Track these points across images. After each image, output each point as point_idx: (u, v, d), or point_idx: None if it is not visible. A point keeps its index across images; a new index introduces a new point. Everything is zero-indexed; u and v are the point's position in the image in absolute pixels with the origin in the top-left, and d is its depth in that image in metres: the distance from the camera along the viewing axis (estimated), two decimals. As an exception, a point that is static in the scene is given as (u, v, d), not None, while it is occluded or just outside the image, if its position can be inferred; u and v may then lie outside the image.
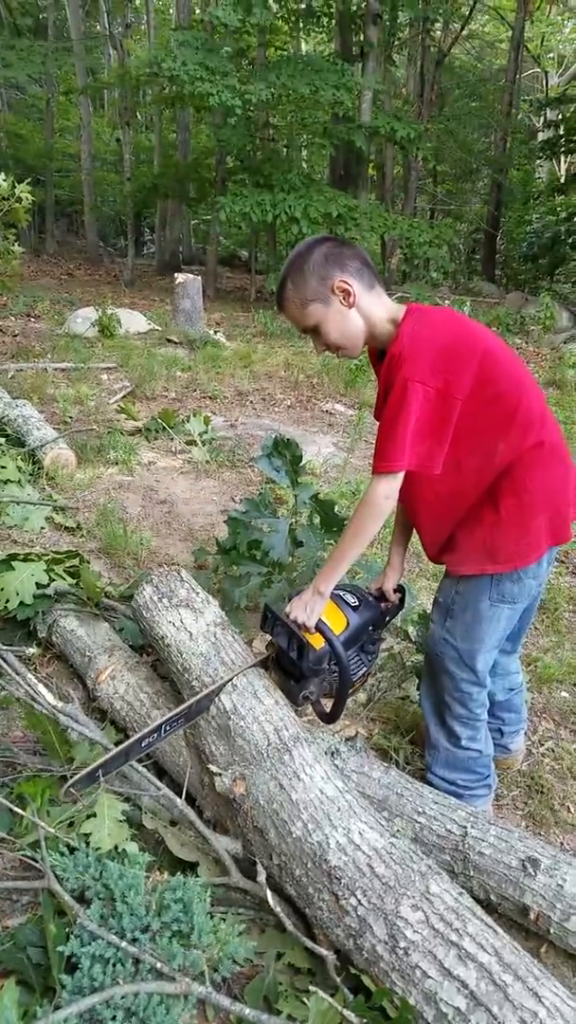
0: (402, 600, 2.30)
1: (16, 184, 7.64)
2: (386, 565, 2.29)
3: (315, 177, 16.15)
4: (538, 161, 21.34)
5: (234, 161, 15.64)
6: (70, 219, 28.94)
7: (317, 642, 1.97)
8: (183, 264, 19.86)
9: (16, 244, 7.29)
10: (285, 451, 2.71)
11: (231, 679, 1.99)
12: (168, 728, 1.92)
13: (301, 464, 2.73)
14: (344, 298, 1.79)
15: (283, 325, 10.44)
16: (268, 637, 2.51)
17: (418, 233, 13.54)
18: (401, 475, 1.77)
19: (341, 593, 2.13)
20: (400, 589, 2.29)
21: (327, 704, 2.11)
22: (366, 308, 1.81)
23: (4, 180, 7.43)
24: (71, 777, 1.72)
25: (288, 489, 2.85)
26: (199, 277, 9.88)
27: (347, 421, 6.38)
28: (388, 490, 1.77)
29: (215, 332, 9.83)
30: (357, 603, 2.12)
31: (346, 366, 7.61)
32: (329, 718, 2.08)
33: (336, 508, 2.80)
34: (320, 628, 1.96)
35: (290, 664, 2.03)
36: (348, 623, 2.06)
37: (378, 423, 1.81)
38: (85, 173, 18.95)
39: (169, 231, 20.16)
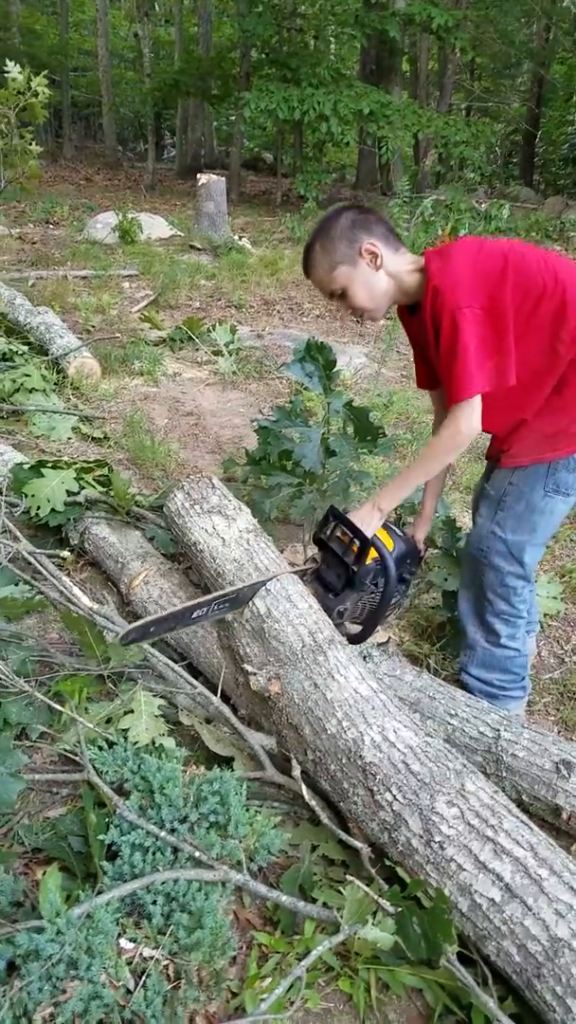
0: (426, 551, 2.31)
1: (32, 77, 7.25)
2: (417, 515, 2.28)
3: (345, 72, 15.15)
4: (584, 53, 19.81)
5: (259, 54, 14.75)
6: (87, 122, 27.79)
7: (367, 557, 1.98)
8: (205, 168, 19.03)
9: (33, 143, 6.96)
10: (318, 355, 2.61)
11: (276, 575, 1.99)
12: (216, 607, 1.92)
13: (335, 370, 2.63)
14: (371, 260, 1.83)
15: (310, 230, 10.04)
16: (300, 551, 2.49)
17: (454, 132, 12.79)
18: (479, 401, 1.76)
19: (387, 523, 2.13)
20: (428, 540, 2.29)
21: (353, 628, 2.13)
22: (392, 268, 1.85)
23: (20, 73, 7.03)
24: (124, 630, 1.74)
25: (320, 396, 2.77)
26: (223, 178, 9.46)
27: (379, 331, 6.18)
28: (471, 419, 1.77)
29: (240, 238, 9.48)
30: (402, 534, 2.15)
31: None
32: (357, 639, 2.10)
33: (371, 417, 2.71)
34: (375, 542, 1.98)
35: (336, 575, 2.04)
36: (395, 546, 2.08)
37: (439, 367, 1.81)
38: (102, 71, 18.02)
39: (191, 132, 19.28)
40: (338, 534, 2.03)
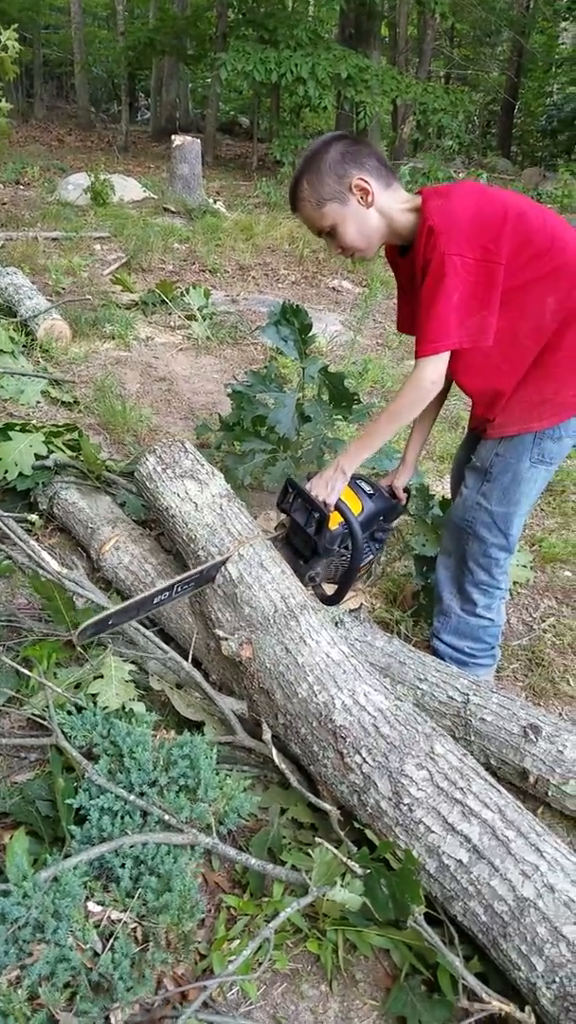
0: (408, 500, 2.27)
1: (1, 31, 6.97)
2: (400, 463, 2.24)
3: (323, 35, 14.80)
4: (563, 24, 19.58)
5: (236, 14, 14.33)
6: (60, 82, 26.95)
7: (333, 522, 1.95)
8: (180, 130, 18.58)
9: (3, 100, 6.71)
10: (294, 319, 2.56)
11: (229, 557, 1.95)
12: (179, 589, 1.89)
13: (310, 334, 2.59)
14: (362, 197, 1.73)
15: (287, 195, 9.87)
16: (273, 518, 2.47)
17: (433, 99, 12.60)
18: (447, 356, 1.70)
19: (356, 480, 2.11)
20: (407, 490, 2.25)
21: (329, 590, 2.10)
22: (384, 205, 1.75)
23: (-13, 25, 6.75)
24: (81, 625, 1.70)
25: (295, 362, 2.73)
26: (198, 140, 9.24)
27: (354, 299, 6.12)
28: (435, 373, 1.71)
29: (215, 201, 9.29)
30: (372, 491, 2.12)
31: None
32: (330, 600, 2.08)
33: (346, 383, 2.68)
34: (340, 507, 1.94)
35: (303, 542, 2.01)
36: (363, 507, 2.05)
37: (418, 309, 1.72)
38: (75, 28, 17.42)
39: (165, 94, 18.77)
40: (300, 503, 2.00)
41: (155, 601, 1.85)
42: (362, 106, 12.21)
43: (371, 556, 2.15)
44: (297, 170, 1.78)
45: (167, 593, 1.86)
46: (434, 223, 1.63)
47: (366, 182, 1.71)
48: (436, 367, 1.70)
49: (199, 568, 1.91)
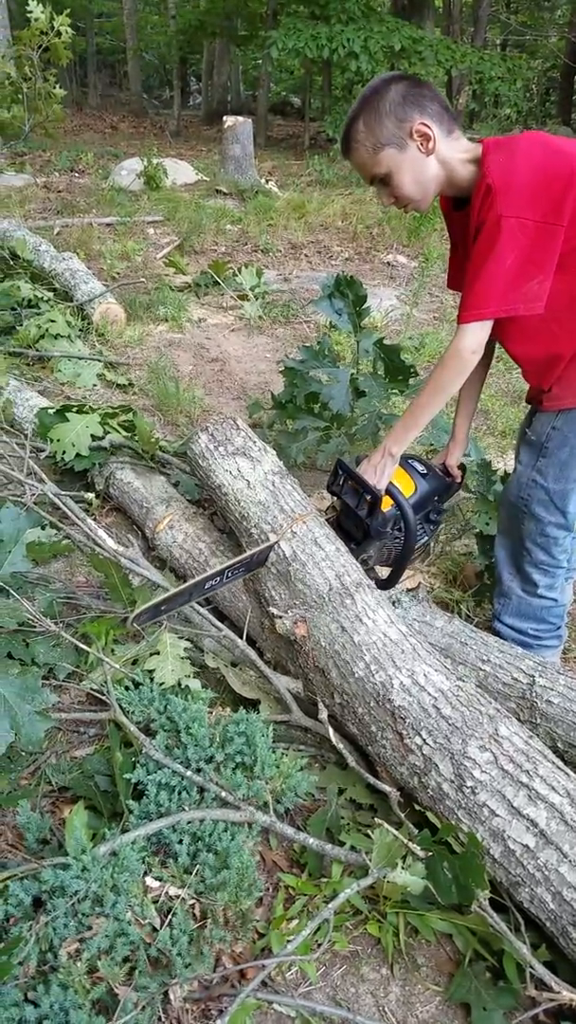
0: (463, 477, 2.19)
1: (54, 16, 7.01)
2: (449, 439, 2.15)
3: (376, 7, 14.47)
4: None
5: (287, -9, 14.13)
6: (112, 70, 27.14)
7: (385, 504, 1.89)
8: (231, 113, 18.52)
9: (57, 86, 6.76)
10: (348, 291, 2.49)
11: (294, 525, 1.92)
12: (230, 574, 1.87)
13: (365, 307, 2.52)
14: (423, 143, 1.61)
15: (340, 172, 9.72)
16: (326, 497, 2.42)
17: (489, 67, 12.19)
18: (490, 324, 1.61)
19: (409, 460, 2.04)
20: (462, 467, 2.16)
21: (383, 573, 2.05)
22: (444, 154, 1.63)
23: (42, 12, 6.78)
24: (135, 611, 1.70)
25: (350, 336, 2.66)
26: (249, 120, 9.14)
27: (410, 273, 5.98)
28: (475, 342, 1.61)
29: (267, 181, 9.20)
30: (425, 471, 2.04)
31: (409, 214, 7.05)
32: (385, 584, 2.01)
33: (402, 356, 2.60)
34: (390, 491, 1.88)
35: (354, 525, 1.96)
36: (416, 488, 1.99)
37: (467, 271, 1.62)
38: (127, 15, 17.46)
39: (216, 76, 18.69)
40: (351, 485, 1.94)
41: (207, 586, 1.83)
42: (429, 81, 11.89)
43: (426, 538, 2.08)
44: (353, 110, 1.64)
45: (219, 578, 1.84)
46: (493, 181, 1.51)
47: (428, 127, 1.59)
48: (477, 335, 1.61)
49: (250, 552, 1.88)
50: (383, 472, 1.85)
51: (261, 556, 1.90)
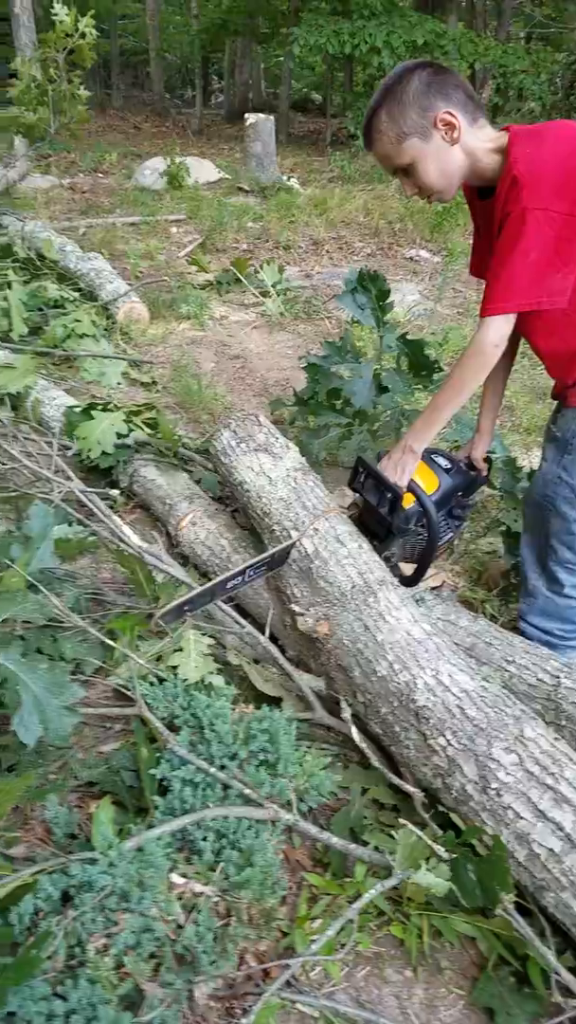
0: (489, 470, 2.16)
1: (79, 18, 7.03)
2: (475, 432, 2.12)
3: (397, 2, 14.36)
4: None
5: (308, -13, 14.07)
6: (135, 71, 27.23)
7: (407, 501, 1.87)
8: (253, 111, 18.48)
9: (82, 88, 6.79)
10: (371, 285, 2.48)
11: (316, 521, 1.92)
12: (252, 573, 1.88)
13: (388, 301, 2.50)
14: (447, 132, 1.58)
15: (361, 168, 9.66)
16: (348, 494, 2.41)
17: (513, 60, 12.05)
18: (513, 318, 1.58)
19: (432, 455, 2.01)
20: (487, 460, 2.14)
21: (407, 569, 2.03)
22: (469, 143, 1.60)
23: (67, 14, 6.80)
24: (159, 611, 1.71)
25: (372, 331, 2.65)
26: (271, 118, 9.14)
27: (433, 268, 5.94)
28: (498, 336, 1.59)
29: (288, 178, 9.19)
30: (449, 466, 2.01)
31: (432, 208, 7.00)
32: (409, 582, 2.00)
33: (426, 350, 2.58)
34: (412, 487, 1.86)
35: (376, 522, 1.94)
36: (439, 484, 1.96)
37: (491, 263, 1.60)
38: (150, 15, 17.49)
39: (239, 75, 18.64)
40: (372, 483, 1.92)
41: (228, 586, 1.83)
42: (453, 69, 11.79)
43: (451, 534, 2.05)
44: (374, 100, 1.61)
45: (240, 578, 1.84)
46: (519, 172, 1.48)
47: (453, 116, 1.55)
48: (500, 329, 1.58)
49: (271, 551, 1.88)
50: (404, 469, 1.83)
51: (282, 554, 1.90)
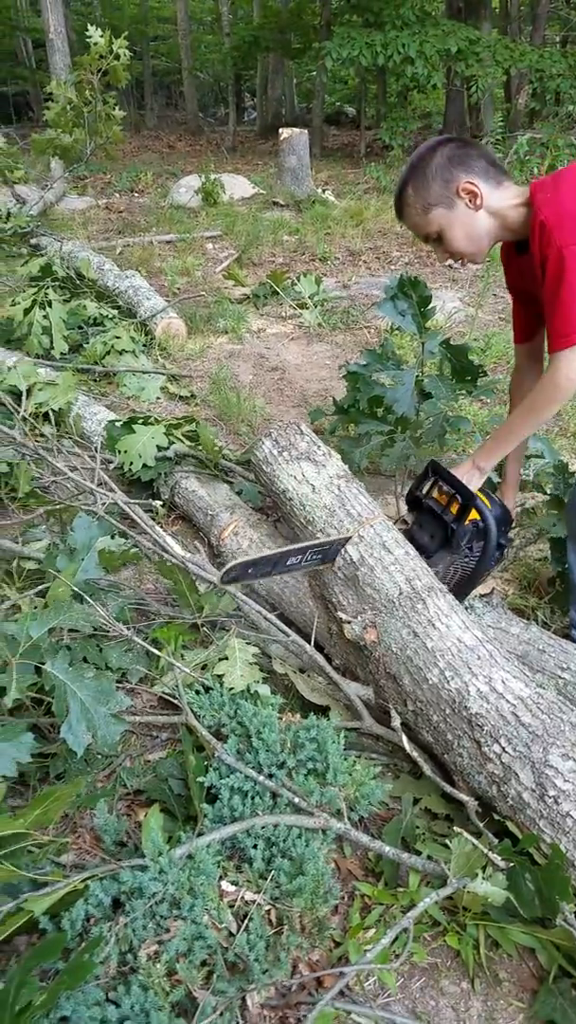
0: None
1: (113, 40, 7.20)
2: (501, 483, 2.16)
3: (430, 11, 14.38)
4: None
5: (339, 1, 14.18)
6: (168, 91, 27.78)
7: (466, 518, 1.88)
8: (286, 126, 18.66)
9: (117, 108, 6.95)
10: (412, 292, 2.47)
11: (361, 528, 1.90)
12: (310, 557, 1.86)
13: (430, 307, 2.49)
14: (470, 200, 1.70)
15: (397, 178, 9.67)
16: (391, 503, 2.39)
17: (549, 64, 11.95)
18: None
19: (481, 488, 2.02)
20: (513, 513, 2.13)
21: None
22: (494, 205, 1.71)
23: (101, 36, 6.98)
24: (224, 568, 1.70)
25: (414, 337, 2.63)
26: (305, 131, 9.21)
27: (472, 275, 5.90)
28: (570, 368, 1.63)
29: (323, 191, 9.24)
30: (497, 499, 2.03)
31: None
32: None
33: (469, 356, 2.56)
34: (476, 504, 1.88)
35: (431, 535, 1.94)
36: (493, 508, 1.97)
37: (546, 306, 1.66)
38: (182, 35, 17.83)
39: (271, 91, 18.89)
40: (435, 493, 1.93)
41: (287, 563, 1.83)
42: (473, 80, 11.77)
43: (493, 563, 2.03)
44: (402, 176, 1.76)
45: (299, 556, 1.83)
46: (545, 217, 1.57)
47: (474, 185, 1.67)
48: (572, 361, 1.61)
49: (329, 539, 1.87)
50: (471, 484, 1.88)
51: (336, 547, 1.89)
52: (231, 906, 1.36)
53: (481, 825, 1.48)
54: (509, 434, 1.83)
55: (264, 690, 1.78)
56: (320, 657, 1.83)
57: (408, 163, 1.74)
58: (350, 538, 1.88)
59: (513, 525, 2.14)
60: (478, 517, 1.89)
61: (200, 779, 1.54)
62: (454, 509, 1.87)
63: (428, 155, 1.69)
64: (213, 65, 21.48)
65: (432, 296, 2.51)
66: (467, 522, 1.87)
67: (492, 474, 2.06)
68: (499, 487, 2.17)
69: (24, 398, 3.19)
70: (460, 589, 1.97)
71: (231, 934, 1.32)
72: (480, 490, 1.97)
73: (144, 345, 4.39)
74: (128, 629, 1.86)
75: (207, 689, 1.76)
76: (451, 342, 2.59)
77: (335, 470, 2.15)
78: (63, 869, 1.44)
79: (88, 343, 4.17)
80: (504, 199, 1.70)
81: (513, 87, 14.28)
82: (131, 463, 2.74)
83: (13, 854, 1.30)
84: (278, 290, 5.24)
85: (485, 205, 1.69)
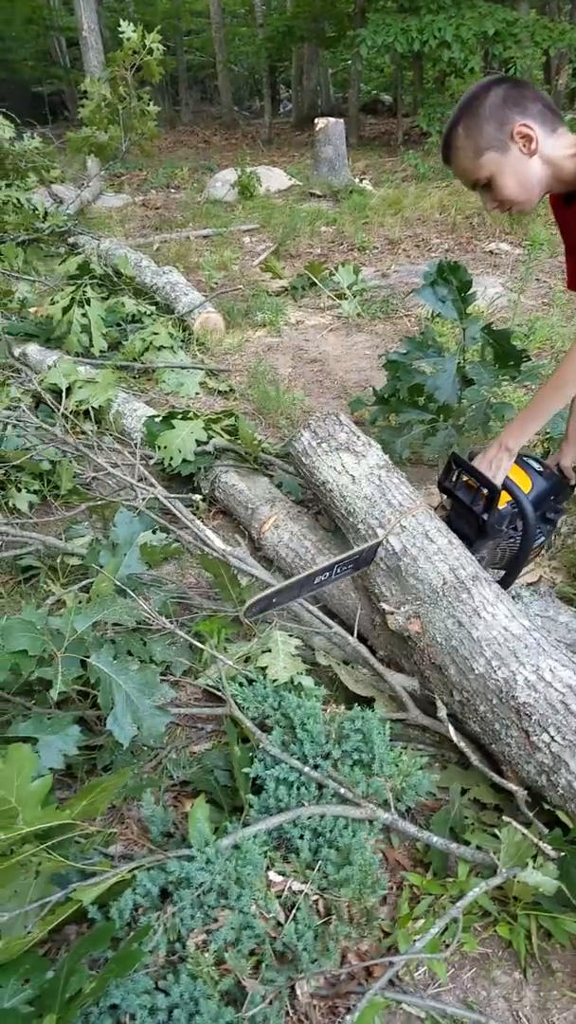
0: None
1: (146, 35, 7.23)
2: (563, 440, 2.05)
3: (466, -8, 14.13)
4: None
5: (373, -14, 14.01)
6: (203, 85, 27.83)
7: (502, 500, 1.83)
8: (322, 116, 18.55)
9: (151, 104, 6.98)
10: (452, 277, 2.43)
11: (403, 518, 1.88)
12: (339, 571, 1.85)
13: (471, 292, 2.44)
14: (524, 144, 1.58)
15: (435, 166, 9.52)
16: (434, 493, 2.36)
17: (590, 41, 11.63)
18: None
19: (524, 458, 1.96)
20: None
21: (496, 577, 1.96)
22: (549, 152, 1.59)
23: (134, 31, 7.00)
24: (247, 603, 1.71)
25: (455, 323, 2.59)
26: (341, 120, 9.14)
27: (514, 260, 5.78)
28: None
29: (360, 180, 9.16)
30: (541, 469, 1.95)
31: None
32: (501, 586, 1.93)
33: (513, 341, 2.51)
34: (507, 486, 1.82)
35: (467, 523, 1.90)
36: (533, 485, 1.90)
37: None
38: (215, 29, 17.83)
39: (306, 82, 18.75)
40: (465, 480, 1.88)
41: (315, 582, 1.82)
42: (512, 62, 11.52)
43: (543, 538, 1.98)
44: (452, 117, 1.63)
45: (327, 574, 1.82)
46: None
47: (530, 128, 1.55)
48: None
49: (358, 549, 1.85)
50: (499, 467, 1.80)
51: (368, 554, 1.87)
52: (278, 896, 1.37)
53: (531, 815, 1.46)
54: (537, 408, 1.72)
55: (308, 682, 1.78)
56: (364, 649, 1.83)
57: (459, 103, 1.61)
58: (380, 542, 1.86)
59: (574, 485, 2.05)
60: (512, 500, 1.84)
61: (245, 770, 1.55)
62: (483, 498, 1.83)
63: (482, 94, 1.57)
64: (247, 58, 21.43)
65: (472, 281, 2.47)
66: (502, 505, 1.82)
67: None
68: (561, 444, 2.07)
69: (64, 396, 3.24)
70: (512, 565, 1.93)
71: (279, 924, 1.32)
72: (521, 462, 1.91)
73: (182, 341, 4.41)
74: (171, 623, 1.87)
75: (250, 681, 1.77)
76: (493, 327, 2.54)
77: (375, 460, 2.13)
78: (111, 859, 1.46)
79: (127, 340, 4.21)
80: (559, 147, 1.59)
81: (553, 67, 13.94)
82: (171, 458, 2.76)
83: (61, 845, 1.32)
84: (316, 281, 5.22)
85: (540, 151, 1.58)
